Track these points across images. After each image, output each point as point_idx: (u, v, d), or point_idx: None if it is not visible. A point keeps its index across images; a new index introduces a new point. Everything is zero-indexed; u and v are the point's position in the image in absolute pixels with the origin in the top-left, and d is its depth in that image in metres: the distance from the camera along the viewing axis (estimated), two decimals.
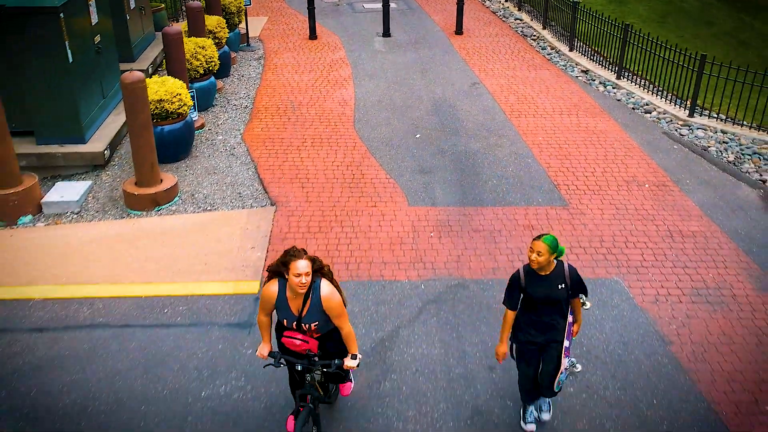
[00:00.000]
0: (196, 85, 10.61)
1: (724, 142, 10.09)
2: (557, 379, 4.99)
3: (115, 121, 9.91)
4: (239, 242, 7.56)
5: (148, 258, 7.33)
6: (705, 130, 10.50)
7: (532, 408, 5.24)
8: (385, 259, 7.29)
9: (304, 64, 13.46)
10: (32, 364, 5.85)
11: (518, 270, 4.93)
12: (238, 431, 5.22)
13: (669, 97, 11.52)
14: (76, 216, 8.24)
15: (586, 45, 13.91)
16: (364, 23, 16.56)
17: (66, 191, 8.52)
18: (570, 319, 4.98)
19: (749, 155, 9.70)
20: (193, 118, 9.94)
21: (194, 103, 9.92)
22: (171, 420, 5.29)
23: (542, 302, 4.86)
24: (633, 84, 12.28)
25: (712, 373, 5.81)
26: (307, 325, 4.61)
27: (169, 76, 9.35)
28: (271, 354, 4.69)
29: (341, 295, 4.64)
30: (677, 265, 7.26)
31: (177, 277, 6.97)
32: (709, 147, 9.97)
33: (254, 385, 5.61)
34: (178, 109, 8.91)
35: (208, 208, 8.30)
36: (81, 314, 6.44)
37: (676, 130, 10.57)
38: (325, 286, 4.57)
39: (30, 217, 8.21)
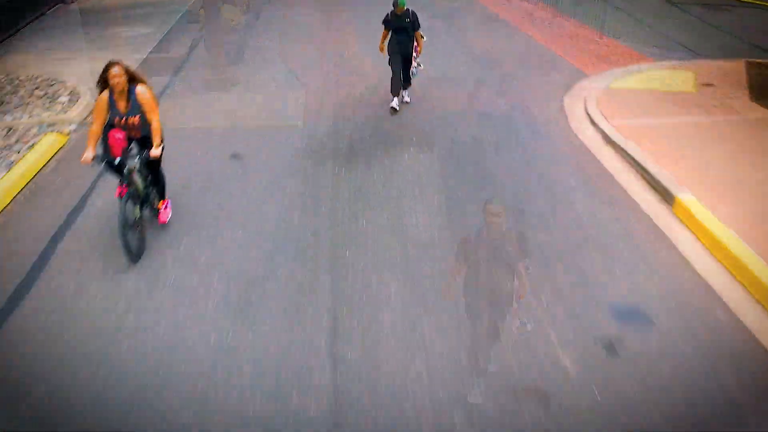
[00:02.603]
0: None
1: None
2: (410, 72, 9.98)
3: None
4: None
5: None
6: None
7: (395, 97, 10.18)
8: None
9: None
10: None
11: (387, 14, 9.79)
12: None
13: None
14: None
15: None
16: None
17: None
18: (415, 44, 9.80)
19: None
20: None
21: None
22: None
23: (396, 30, 9.66)
24: None
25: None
26: (131, 119, 6.15)
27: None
28: (94, 158, 6.10)
29: (153, 97, 6.22)
30: None
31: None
32: None
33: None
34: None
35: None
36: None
37: None
38: (141, 87, 6.12)
39: None
